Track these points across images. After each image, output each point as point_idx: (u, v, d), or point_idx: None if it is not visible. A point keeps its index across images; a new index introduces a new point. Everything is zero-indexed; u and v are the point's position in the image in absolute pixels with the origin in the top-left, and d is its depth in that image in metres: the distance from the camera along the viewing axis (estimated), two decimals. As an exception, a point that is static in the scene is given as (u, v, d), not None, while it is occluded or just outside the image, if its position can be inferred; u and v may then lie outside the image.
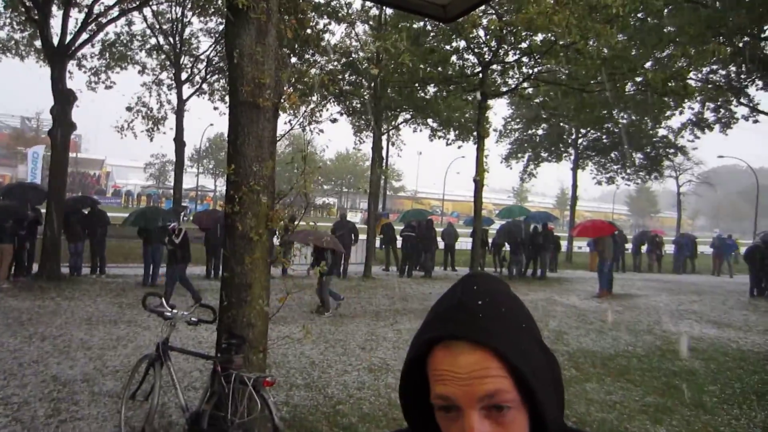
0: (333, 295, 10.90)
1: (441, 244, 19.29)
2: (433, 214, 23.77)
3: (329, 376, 6.60)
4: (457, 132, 20.93)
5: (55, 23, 12.81)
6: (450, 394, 0.73)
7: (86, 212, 14.03)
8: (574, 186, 27.29)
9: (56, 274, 12.22)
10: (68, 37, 12.78)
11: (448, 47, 15.41)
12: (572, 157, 27.22)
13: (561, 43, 12.86)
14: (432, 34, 15.21)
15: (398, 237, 18.50)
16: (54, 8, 12.88)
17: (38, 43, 14.97)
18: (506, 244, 18.66)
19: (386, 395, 6.00)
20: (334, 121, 18.02)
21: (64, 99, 12.62)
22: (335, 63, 15.50)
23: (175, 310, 5.00)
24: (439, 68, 15.32)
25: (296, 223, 5.83)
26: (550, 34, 12.81)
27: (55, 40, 12.66)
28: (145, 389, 4.88)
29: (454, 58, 15.70)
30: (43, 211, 12.91)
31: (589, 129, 25.20)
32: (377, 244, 18.32)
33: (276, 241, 5.63)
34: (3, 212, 11.54)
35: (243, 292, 4.68)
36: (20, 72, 35.57)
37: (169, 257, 10.94)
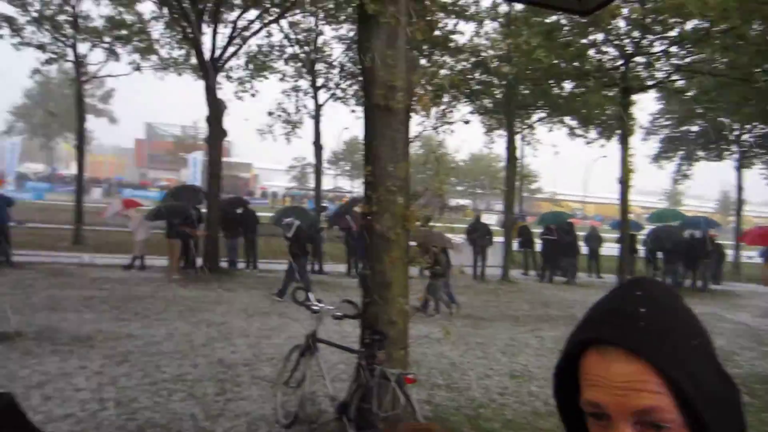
0: (450, 297, 10.81)
1: (583, 249, 18.42)
2: (572, 217, 22.76)
3: (470, 379, 6.62)
4: (598, 130, 19.84)
5: (206, 40, 14.20)
6: (600, 402, 0.68)
7: (239, 212, 15.38)
8: (740, 188, 24.46)
9: (216, 267, 13.54)
10: (217, 52, 14.10)
11: (584, 41, 14.68)
12: (736, 156, 24.45)
13: (717, 29, 11.69)
14: (566, 28, 14.58)
15: (536, 240, 18.00)
16: (204, 26, 14.21)
17: (193, 60, 16.65)
18: (658, 251, 17.30)
19: (529, 403, 5.90)
20: (467, 122, 17.93)
21: (216, 108, 13.94)
22: (465, 63, 15.45)
23: (321, 304, 5.35)
24: (576, 63, 14.64)
25: (431, 224, 5.92)
26: (703, 20, 11.70)
27: (207, 55, 14.00)
28: (296, 377, 5.27)
29: (591, 51, 14.91)
30: (204, 210, 14.37)
31: (755, 123, 22.48)
32: (514, 246, 17.96)
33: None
34: (171, 211, 13.03)
35: (383, 290, 4.85)
36: (180, 86, 39.85)
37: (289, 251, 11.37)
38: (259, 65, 18.84)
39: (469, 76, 15.78)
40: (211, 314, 9.11)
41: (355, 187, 62.31)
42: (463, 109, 17.81)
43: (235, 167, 60.12)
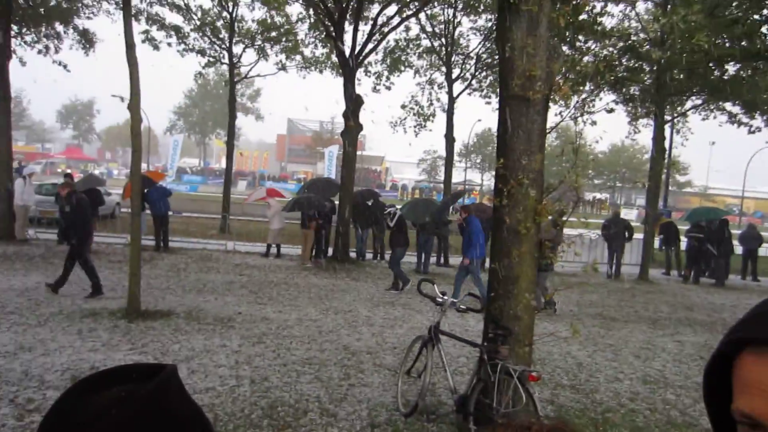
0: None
1: (738, 249, 16.52)
2: (728, 214, 20.44)
3: (597, 381, 6.23)
4: (765, 117, 17.55)
5: (347, 38, 14.73)
6: (755, 412, 0.58)
7: (370, 204, 15.77)
8: None
9: (346, 257, 14.03)
10: (357, 48, 14.54)
11: (756, 17, 12.98)
12: None
13: None
14: (735, 3, 12.99)
15: (682, 238, 16.46)
16: (346, 24, 14.74)
17: (334, 58, 17.36)
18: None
19: (664, 412, 5.40)
20: (611, 111, 16.82)
21: (353, 103, 14.38)
22: (612, 48, 14.42)
23: (445, 297, 5.30)
24: (743, 42, 13.01)
25: (565, 218, 5.63)
26: None
27: (347, 52, 14.50)
28: (418, 367, 5.29)
29: (764, 29, 13.15)
30: (336, 202, 14.95)
31: None
32: (656, 244, 16.59)
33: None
34: (307, 202, 13.69)
35: (510, 285, 4.71)
36: (320, 83, 42.34)
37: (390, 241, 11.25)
38: (395, 60, 19.20)
39: (616, 63, 14.74)
40: (339, 302, 9.45)
41: (486, 180, 61.37)
42: (607, 97, 16.73)
43: (368, 160, 61.91)
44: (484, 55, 19.61)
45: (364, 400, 5.21)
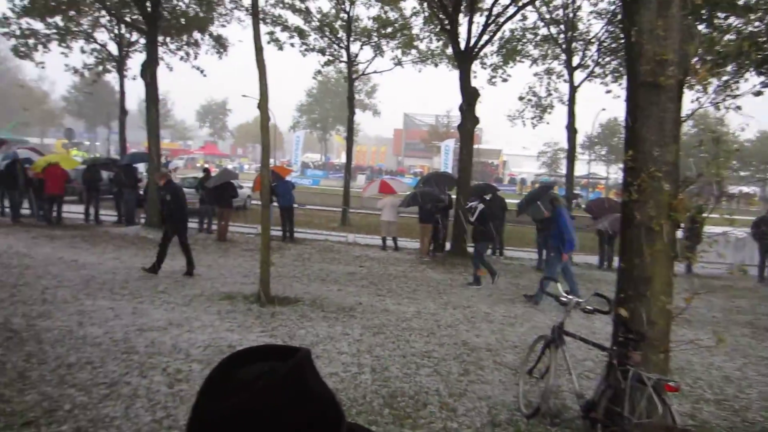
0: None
1: None
2: None
3: (749, 398, 5.64)
4: None
5: (461, 30, 14.53)
6: None
7: (488, 198, 15.50)
8: None
9: (464, 252, 13.93)
10: (472, 40, 14.31)
11: None
12: None
13: None
14: None
15: None
16: (460, 16, 14.55)
17: (449, 51, 17.25)
18: None
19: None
20: (758, 94, 15.12)
21: (469, 96, 14.20)
22: (758, 23, 12.93)
23: (570, 297, 5.07)
24: None
25: (705, 215, 5.18)
26: None
27: (462, 45, 14.32)
28: (540, 368, 5.11)
29: None
30: (453, 196, 14.87)
31: None
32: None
33: (680, 234, 5.11)
34: (424, 197, 13.76)
35: (641, 286, 4.42)
36: (435, 77, 42.41)
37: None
38: (511, 50, 18.70)
39: (763, 39, 13.22)
40: (457, 297, 9.41)
41: (612, 173, 57.95)
42: (753, 79, 15.06)
43: (485, 154, 60.98)
44: (608, 40, 18.43)
45: (484, 397, 5.14)
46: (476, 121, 14.57)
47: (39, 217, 14.76)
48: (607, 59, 18.89)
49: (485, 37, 14.86)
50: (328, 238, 15.41)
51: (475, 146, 21.87)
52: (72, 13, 17.31)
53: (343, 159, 29.54)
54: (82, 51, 19.08)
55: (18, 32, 16.96)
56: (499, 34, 16.85)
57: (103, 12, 17.76)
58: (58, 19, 17.39)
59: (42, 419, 4.08)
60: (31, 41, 17.28)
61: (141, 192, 15.94)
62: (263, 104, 8.25)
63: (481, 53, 16.47)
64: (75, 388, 4.65)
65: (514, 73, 19.65)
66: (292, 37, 19.10)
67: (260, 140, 8.61)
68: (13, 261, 9.64)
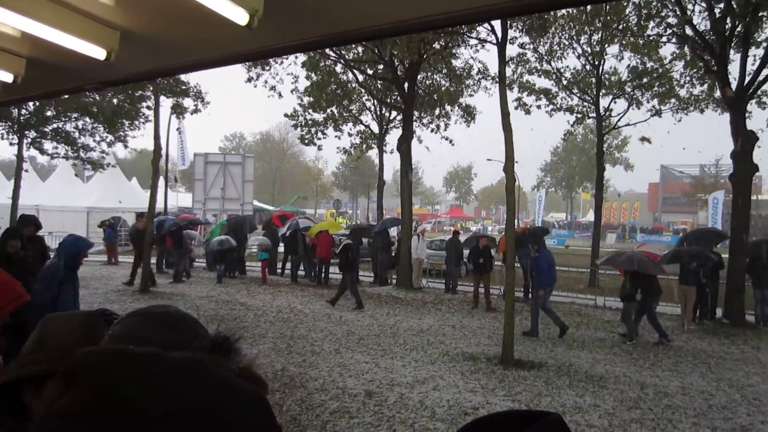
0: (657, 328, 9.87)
1: None
2: None
3: None
4: None
5: (732, 68, 12.92)
6: None
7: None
8: None
9: (740, 320, 11.91)
10: (746, 78, 12.59)
11: None
12: None
13: None
14: None
15: None
16: (731, 52, 12.98)
17: (717, 93, 15.44)
18: None
19: None
20: None
21: (744, 141, 12.42)
22: None
23: None
24: None
25: None
26: None
27: (733, 85, 12.69)
28: None
29: None
30: (725, 255, 12.91)
31: None
32: None
33: None
34: (687, 255, 12.23)
35: None
36: (699, 125, 37.91)
37: None
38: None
39: None
40: (733, 373, 8.04)
41: None
42: None
43: (765, 205, 51.88)
44: None
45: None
46: (754, 168, 12.66)
47: (312, 278, 17.04)
48: None
49: (765, 72, 12.93)
50: (575, 301, 14.63)
51: (754, 197, 18.87)
52: (345, 102, 20.37)
53: (590, 217, 28.08)
54: (349, 134, 22.04)
55: (303, 122, 20.54)
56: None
57: (369, 97, 20.45)
58: (334, 109, 20.55)
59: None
60: (313, 129, 20.69)
61: (393, 254, 17.33)
62: (509, 167, 8.46)
63: (759, 91, 14.40)
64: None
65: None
66: (539, 98, 19.23)
67: (504, 201, 8.80)
68: (291, 316, 11.28)
